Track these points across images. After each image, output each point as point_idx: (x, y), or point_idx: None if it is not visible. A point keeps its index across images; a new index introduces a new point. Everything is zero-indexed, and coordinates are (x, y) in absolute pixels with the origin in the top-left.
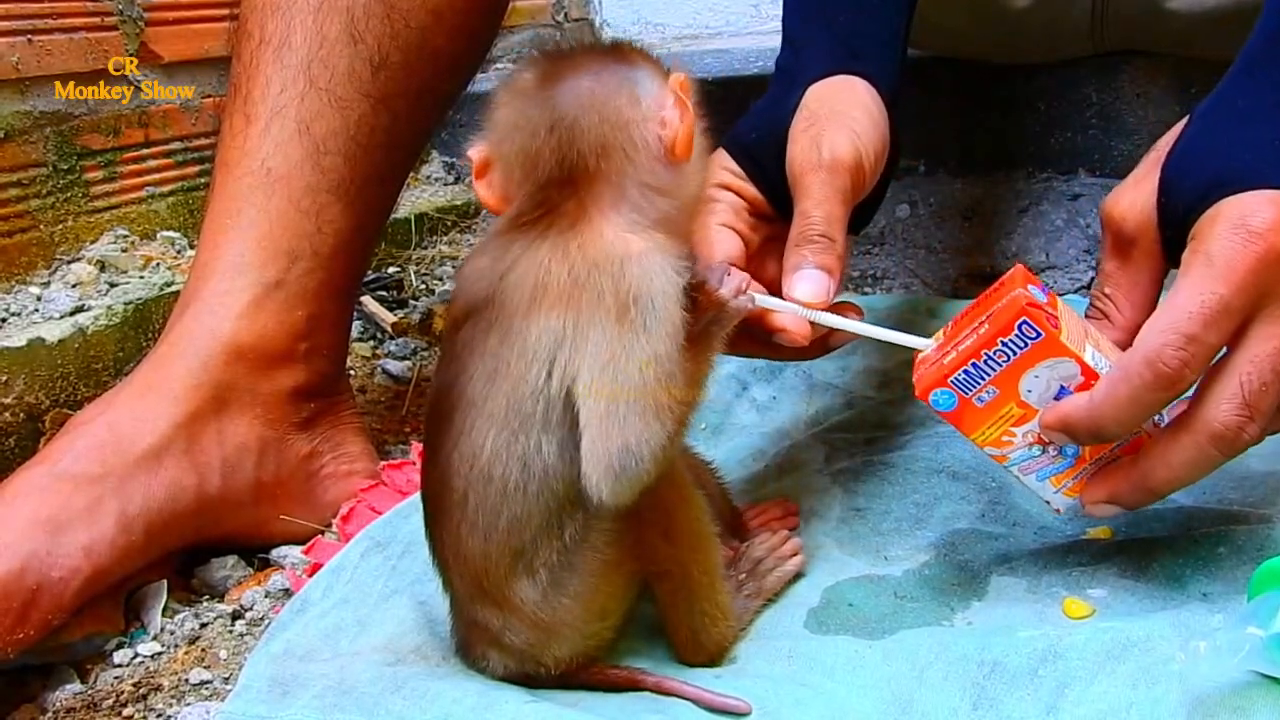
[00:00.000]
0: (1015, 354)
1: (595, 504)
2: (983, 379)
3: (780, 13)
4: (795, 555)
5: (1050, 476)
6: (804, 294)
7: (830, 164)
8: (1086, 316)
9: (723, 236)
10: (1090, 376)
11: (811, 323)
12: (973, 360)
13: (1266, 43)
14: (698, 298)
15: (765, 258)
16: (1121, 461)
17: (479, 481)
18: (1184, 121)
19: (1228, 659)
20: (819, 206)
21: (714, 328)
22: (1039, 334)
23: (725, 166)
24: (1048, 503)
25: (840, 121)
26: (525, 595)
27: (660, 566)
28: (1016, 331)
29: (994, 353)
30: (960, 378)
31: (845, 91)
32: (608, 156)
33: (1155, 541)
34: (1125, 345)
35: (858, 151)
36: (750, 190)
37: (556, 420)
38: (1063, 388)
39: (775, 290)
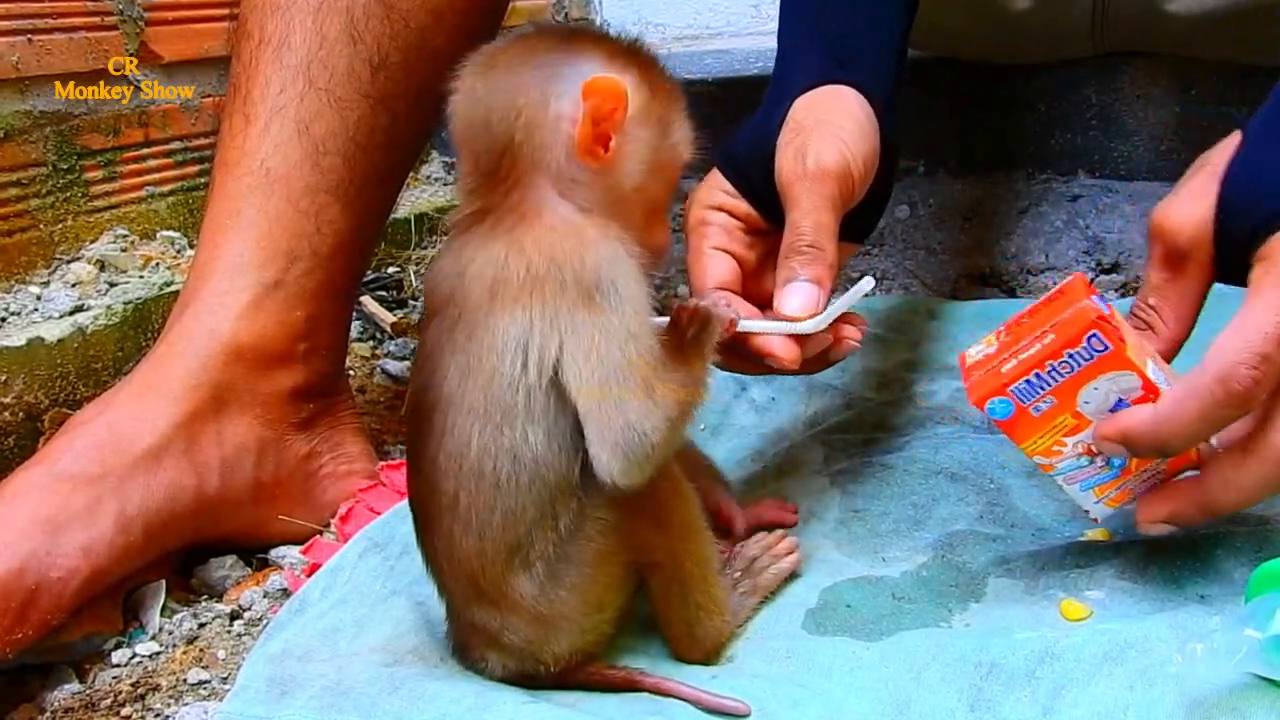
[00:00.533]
0: (1080, 366)
1: (610, 487)
2: (1043, 389)
3: (778, 13)
4: (790, 554)
5: (1094, 487)
6: (793, 307)
7: (817, 173)
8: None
9: (715, 261)
10: (1150, 391)
11: (799, 337)
12: (1035, 370)
13: None
14: (675, 309)
15: (765, 274)
16: (1182, 482)
17: (470, 479)
18: (1236, 136)
19: (1225, 661)
20: (807, 216)
21: (703, 335)
22: (1106, 347)
23: (717, 185)
24: (1086, 511)
25: (826, 131)
26: (523, 590)
27: (653, 557)
28: (1085, 344)
29: (1059, 364)
30: (1021, 387)
31: (832, 101)
32: (529, 152)
33: (1153, 543)
34: (1167, 356)
35: (845, 159)
36: (743, 207)
37: (540, 410)
38: (1120, 400)
39: (759, 302)
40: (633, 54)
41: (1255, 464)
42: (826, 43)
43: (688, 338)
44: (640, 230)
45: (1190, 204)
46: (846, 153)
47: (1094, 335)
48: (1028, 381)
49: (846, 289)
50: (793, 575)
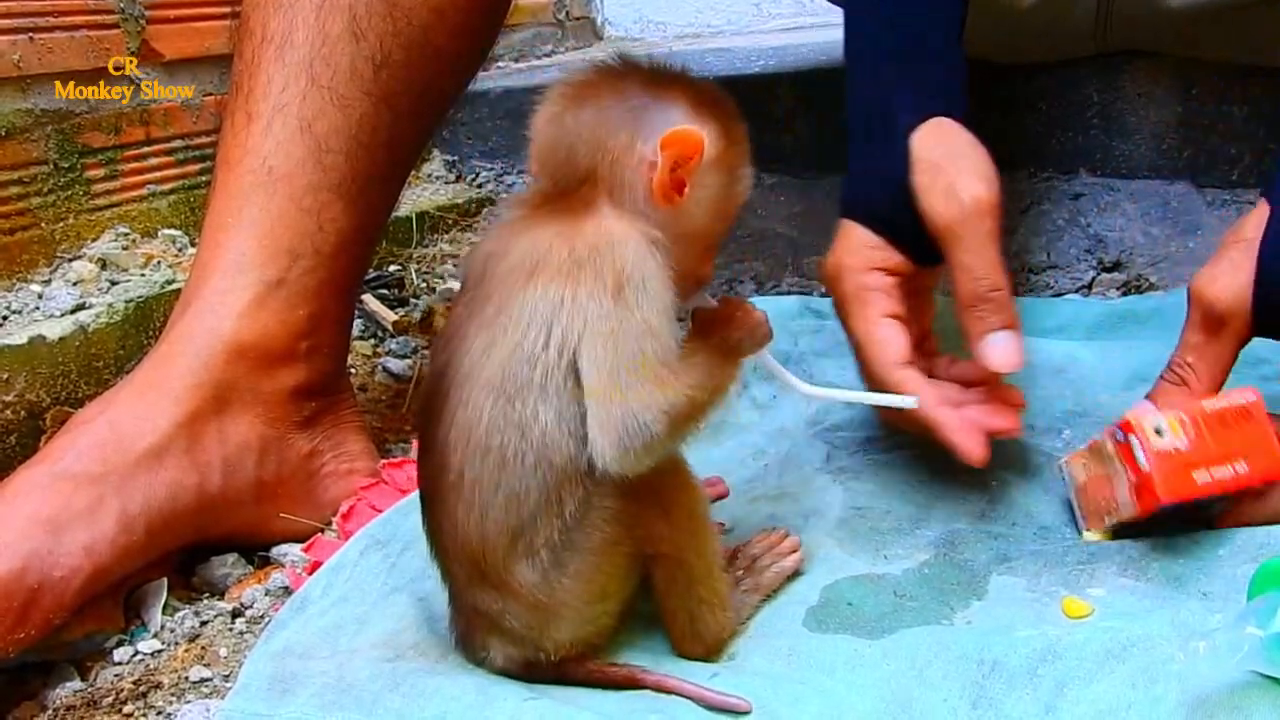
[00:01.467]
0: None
1: (602, 473)
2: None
3: (781, 11)
4: (793, 553)
5: None
6: (1000, 362)
7: (975, 210)
8: (1163, 379)
9: (890, 332)
10: None
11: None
12: (1226, 491)
13: None
14: (724, 303)
15: (914, 312)
16: None
17: (476, 455)
18: (1264, 207)
19: (1227, 659)
20: (979, 256)
21: (745, 343)
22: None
23: (863, 243)
24: None
25: (964, 165)
26: (525, 578)
27: (657, 548)
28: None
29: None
30: (1202, 498)
31: (950, 135)
32: (609, 185)
33: (1154, 541)
34: None
35: (993, 190)
36: (895, 259)
37: (555, 388)
38: None
39: (915, 343)
40: (715, 103)
41: None
42: (918, 77)
43: (729, 340)
44: (692, 262)
45: (1230, 275)
46: (992, 185)
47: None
48: (1213, 494)
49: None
50: (795, 573)
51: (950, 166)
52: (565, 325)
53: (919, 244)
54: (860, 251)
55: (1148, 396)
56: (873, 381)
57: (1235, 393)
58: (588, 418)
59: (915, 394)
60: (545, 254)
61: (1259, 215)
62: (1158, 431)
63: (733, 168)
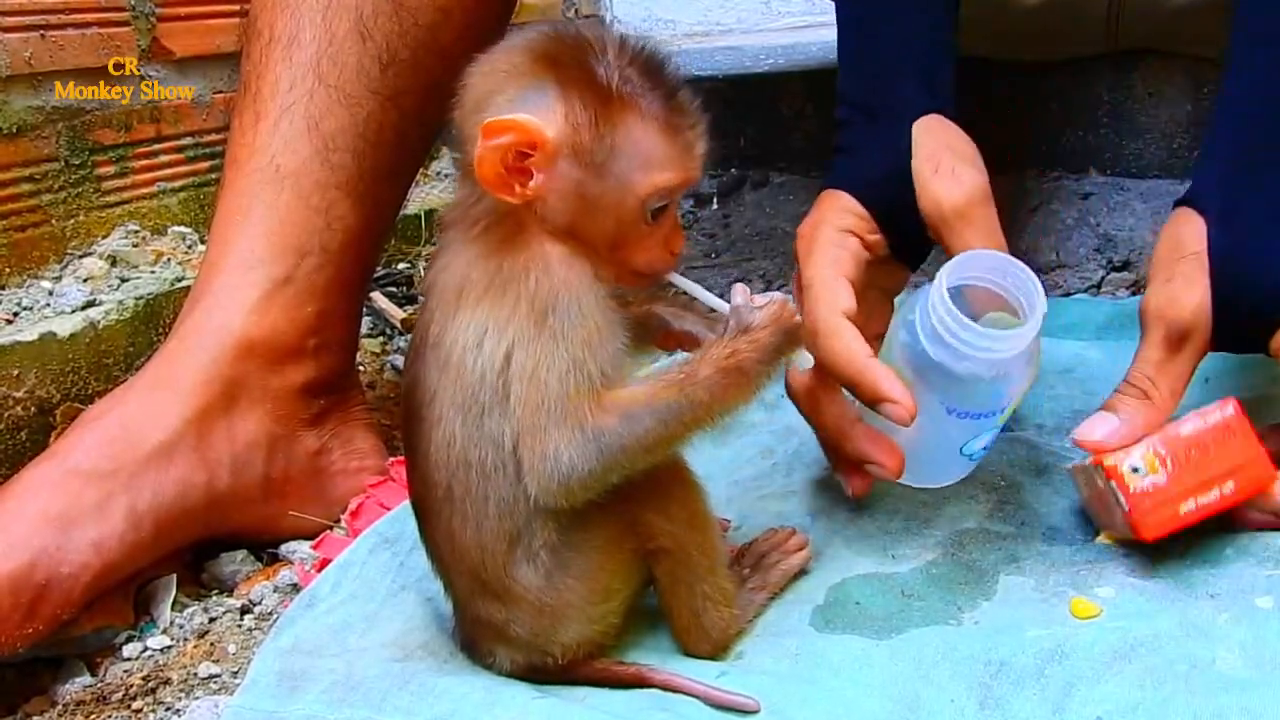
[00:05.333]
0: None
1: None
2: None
3: (791, 9)
4: (800, 550)
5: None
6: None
7: (981, 195)
8: (1122, 393)
9: (840, 289)
10: None
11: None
12: (1215, 514)
13: (1265, 141)
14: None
15: (863, 310)
16: None
17: (460, 469)
18: (1195, 220)
19: None
20: (990, 237)
21: (749, 356)
22: None
23: (849, 208)
24: None
25: (961, 155)
26: (527, 582)
27: (658, 543)
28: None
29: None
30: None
31: (947, 129)
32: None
33: (1162, 543)
34: (1158, 425)
35: (987, 180)
36: (876, 236)
37: (511, 406)
38: None
39: (868, 341)
40: (592, 86)
41: None
42: (920, 71)
43: (730, 359)
44: (605, 259)
45: (1187, 293)
46: (985, 175)
47: None
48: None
49: None
50: (802, 572)
51: (950, 156)
52: (492, 349)
53: (902, 234)
54: (844, 216)
55: (1104, 408)
56: (809, 329)
57: (1213, 408)
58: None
59: (853, 346)
60: (469, 275)
61: (1194, 227)
62: (1135, 470)
63: (599, 160)
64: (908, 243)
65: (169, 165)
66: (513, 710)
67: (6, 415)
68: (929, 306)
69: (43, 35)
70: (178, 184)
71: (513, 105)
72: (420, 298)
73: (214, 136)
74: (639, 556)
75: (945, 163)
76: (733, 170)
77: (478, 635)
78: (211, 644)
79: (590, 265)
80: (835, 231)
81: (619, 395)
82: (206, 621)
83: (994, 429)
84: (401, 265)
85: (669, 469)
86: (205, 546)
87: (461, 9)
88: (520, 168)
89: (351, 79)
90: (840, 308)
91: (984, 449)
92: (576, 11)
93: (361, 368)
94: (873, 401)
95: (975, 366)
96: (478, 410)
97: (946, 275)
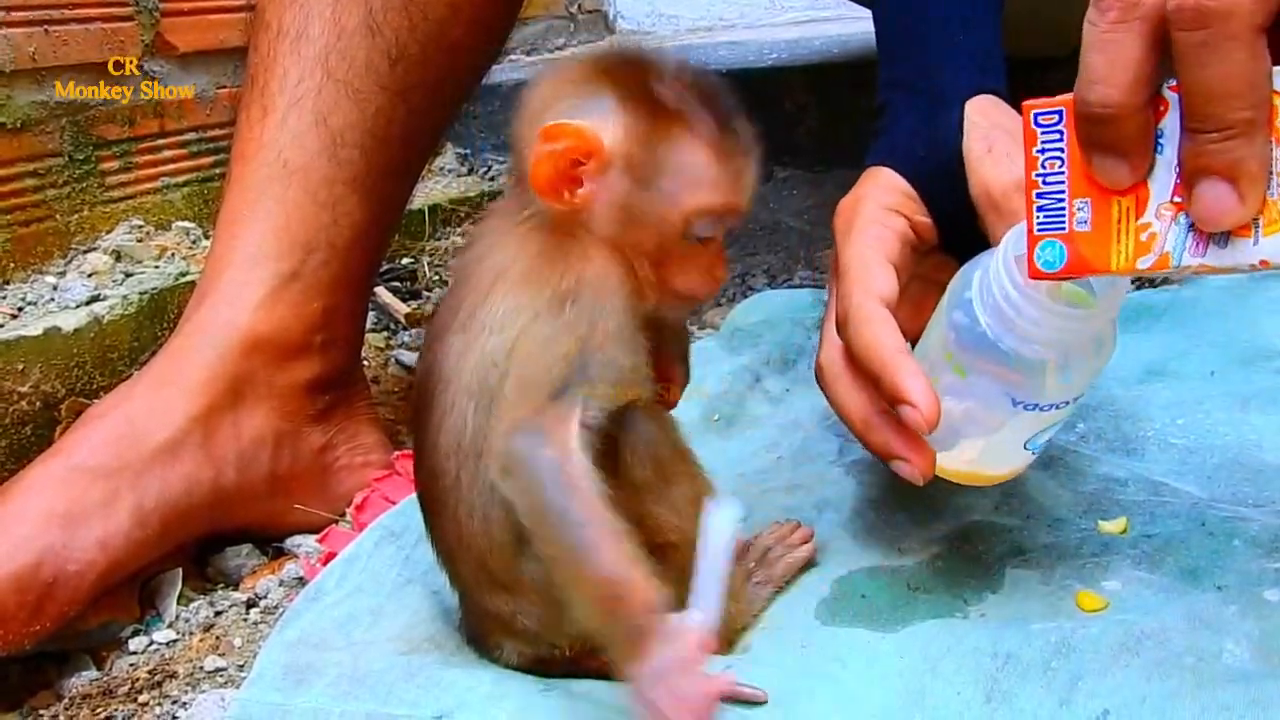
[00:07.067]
0: (1063, 151)
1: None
2: (1061, 202)
3: (794, 4)
4: (806, 544)
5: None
6: None
7: None
8: None
9: (879, 272)
10: None
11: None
12: (1035, 192)
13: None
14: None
15: (907, 302)
16: None
17: (470, 458)
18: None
19: None
20: None
21: (630, 638)
22: (1058, 110)
23: (895, 186)
24: (1256, 266)
25: (1018, 140)
26: (535, 573)
27: (665, 537)
28: (1039, 129)
29: (1044, 171)
30: (1043, 220)
31: (1001, 110)
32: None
33: (1169, 534)
34: None
35: None
36: (923, 219)
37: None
38: None
39: (912, 337)
40: (649, 101)
41: None
42: (971, 50)
43: (638, 625)
44: (647, 276)
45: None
46: None
47: (1035, 116)
48: (1040, 209)
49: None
50: (808, 565)
51: (1004, 138)
52: (508, 335)
53: (950, 218)
54: (889, 193)
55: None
56: (841, 314)
57: None
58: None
59: (883, 336)
60: (508, 264)
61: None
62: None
63: (648, 173)
64: (956, 228)
65: (173, 160)
66: (519, 704)
67: (11, 410)
68: (991, 278)
69: (46, 30)
70: (181, 179)
71: (571, 113)
72: (447, 282)
73: (218, 131)
74: (644, 550)
75: (999, 144)
76: None
77: (485, 628)
78: (217, 638)
79: (630, 280)
80: (879, 209)
81: (572, 434)
82: (212, 615)
83: (1060, 423)
84: (405, 260)
85: (676, 463)
86: (210, 541)
87: (470, 4)
88: (573, 175)
89: (360, 74)
90: (877, 292)
91: (1047, 441)
92: (580, 7)
93: (366, 362)
94: (892, 401)
95: (1044, 349)
96: (488, 398)
97: (1012, 243)
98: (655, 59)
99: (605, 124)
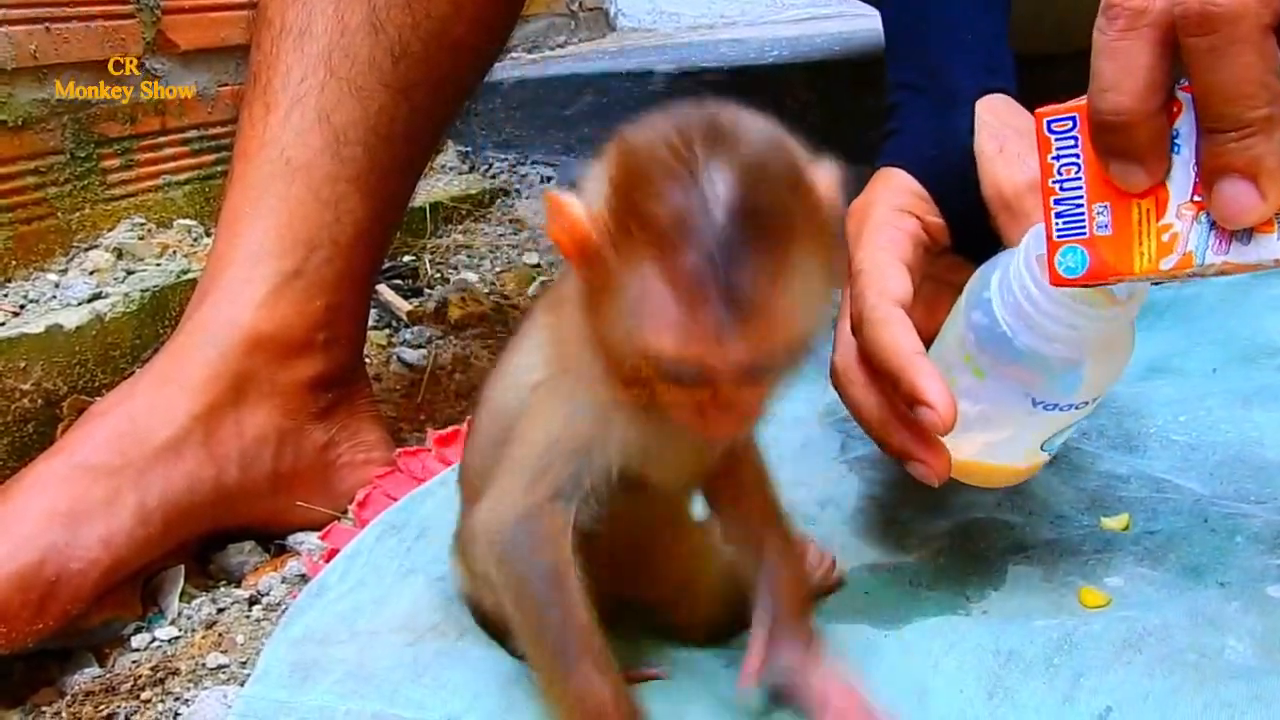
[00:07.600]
0: (1079, 157)
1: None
2: (1080, 208)
3: (795, 1)
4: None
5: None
6: None
7: None
8: None
9: (893, 274)
10: None
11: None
12: (1053, 199)
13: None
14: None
15: (920, 303)
16: None
17: (488, 481)
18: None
19: None
20: None
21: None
22: (1071, 117)
23: (906, 186)
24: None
25: (1029, 140)
26: None
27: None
28: (1052, 136)
29: (1060, 177)
30: (1062, 226)
31: (1013, 110)
32: None
33: (1172, 531)
34: None
35: None
36: (935, 220)
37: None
38: None
39: (925, 338)
40: (647, 204)
41: None
42: (980, 50)
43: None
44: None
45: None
46: None
47: (1049, 124)
48: (1059, 215)
49: None
50: (834, 589)
51: (1016, 137)
52: (523, 381)
53: (962, 219)
54: (900, 194)
55: None
56: (855, 316)
57: None
58: None
59: (899, 338)
60: (552, 296)
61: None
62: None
63: (618, 287)
64: (968, 229)
65: (174, 158)
66: (528, 713)
67: (13, 408)
68: (1011, 277)
69: (47, 28)
70: (183, 177)
71: (585, 185)
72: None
73: (219, 129)
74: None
75: (1011, 144)
76: None
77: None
78: (219, 635)
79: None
80: (891, 211)
81: (567, 538)
82: (214, 612)
83: (1076, 424)
84: (407, 258)
85: (673, 524)
86: (213, 538)
87: (473, 2)
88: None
89: (363, 71)
90: (892, 294)
91: (1062, 443)
92: (581, 4)
93: (367, 360)
94: (910, 403)
95: (1065, 348)
96: (500, 427)
97: (1033, 242)
98: (702, 156)
99: (594, 212)
